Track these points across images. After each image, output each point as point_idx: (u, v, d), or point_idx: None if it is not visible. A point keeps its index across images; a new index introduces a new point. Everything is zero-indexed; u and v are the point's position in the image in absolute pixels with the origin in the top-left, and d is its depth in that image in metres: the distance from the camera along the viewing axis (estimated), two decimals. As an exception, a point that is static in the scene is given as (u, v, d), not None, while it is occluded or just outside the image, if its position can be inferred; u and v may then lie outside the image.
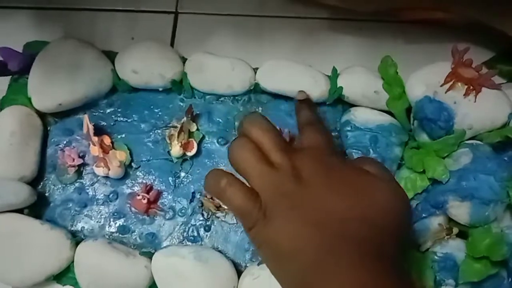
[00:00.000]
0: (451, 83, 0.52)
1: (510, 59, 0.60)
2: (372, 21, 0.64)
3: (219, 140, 0.59)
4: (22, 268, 0.52)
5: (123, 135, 0.60)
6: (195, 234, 0.55)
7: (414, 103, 0.53)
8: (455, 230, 0.51)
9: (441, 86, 0.52)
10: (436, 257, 0.51)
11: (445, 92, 0.52)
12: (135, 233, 0.56)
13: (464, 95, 0.51)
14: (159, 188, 0.57)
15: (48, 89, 0.58)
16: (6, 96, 0.60)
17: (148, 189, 0.56)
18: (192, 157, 0.58)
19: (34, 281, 0.53)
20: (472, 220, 0.49)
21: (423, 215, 0.51)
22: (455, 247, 0.50)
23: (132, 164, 0.58)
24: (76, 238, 0.54)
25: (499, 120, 0.51)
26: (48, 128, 0.60)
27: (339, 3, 0.59)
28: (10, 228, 0.53)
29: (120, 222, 0.56)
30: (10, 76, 0.61)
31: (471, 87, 0.52)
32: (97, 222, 0.56)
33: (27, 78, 0.59)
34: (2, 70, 0.59)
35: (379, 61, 0.57)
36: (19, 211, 0.54)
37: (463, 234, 0.51)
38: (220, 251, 0.54)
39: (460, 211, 0.49)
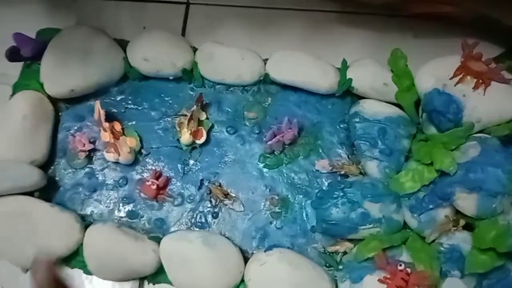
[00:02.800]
0: (460, 76, 0.52)
1: (518, 55, 0.60)
2: (381, 15, 0.65)
3: (228, 129, 0.60)
4: (31, 249, 0.53)
5: (134, 122, 0.60)
6: (203, 220, 0.56)
7: (423, 96, 0.54)
8: (462, 222, 0.51)
9: (451, 79, 0.52)
10: (442, 248, 0.51)
11: (455, 85, 0.52)
12: (143, 218, 0.56)
13: (473, 88, 0.52)
14: (168, 175, 0.58)
15: (60, 75, 0.59)
16: (18, 81, 0.61)
17: (158, 175, 0.57)
18: (201, 145, 0.59)
19: (43, 263, 0.53)
20: (479, 212, 0.49)
21: (430, 206, 0.51)
22: (461, 239, 0.51)
23: (142, 150, 0.59)
24: (86, 222, 0.55)
25: (507, 113, 0.52)
26: (60, 114, 0.61)
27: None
28: (21, 210, 0.53)
29: (129, 207, 0.57)
30: (23, 62, 0.62)
31: (481, 81, 0.52)
32: (106, 206, 0.57)
33: (39, 64, 0.60)
34: (15, 55, 0.60)
35: (387, 54, 0.58)
36: (30, 194, 0.55)
37: (469, 227, 0.52)
38: (227, 238, 0.54)
39: (467, 203, 0.49)
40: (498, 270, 0.48)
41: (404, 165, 0.55)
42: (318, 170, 0.57)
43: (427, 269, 0.49)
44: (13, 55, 0.59)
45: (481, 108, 0.51)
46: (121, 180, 0.58)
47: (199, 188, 0.57)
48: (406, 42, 0.62)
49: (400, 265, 0.48)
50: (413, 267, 0.49)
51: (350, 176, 0.56)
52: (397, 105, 0.57)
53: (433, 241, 0.52)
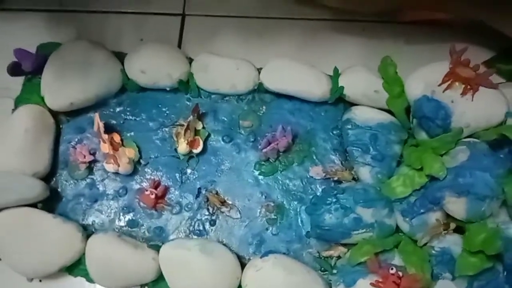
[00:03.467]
0: (448, 82, 0.53)
1: (509, 59, 0.61)
2: (374, 22, 0.66)
3: (224, 138, 0.61)
4: (35, 259, 0.55)
5: (132, 133, 0.62)
6: (201, 228, 0.58)
7: (413, 102, 0.55)
8: (452, 225, 0.52)
9: (439, 85, 0.53)
10: (433, 251, 0.52)
11: (443, 91, 0.53)
12: (143, 227, 0.58)
13: (461, 94, 0.53)
14: (166, 184, 0.59)
15: (60, 89, 0.60)
16: (20, 95, 0.63)
17: (156, 184, 0.59)
18: (198, 154, 0.60)
19: (47, 272, 0.55)
20: (468, 215, 0.50)
21: (421, 210, 0.52)
22: (452, 242, 0.52)
23: (141, 160, 0.61)
24: (87, 232, 0.57)
25: (495, 118, 0.53)
26: (61, 126, 0.63)
27: (341, 4, 0.60)
28: (25, 221, 0.55)
29: (129, 216, 0.59)
30: (24, 76, 0.64)
31: (469, 86, 0.53)
32: (107, 216, 0.59)
33: (40, 78, 0.62)
34: (16, 70, 0.61)
35: (380, 61, 0.59)
36: (33, 205, 0.57)
37: (460, 230, 0.53)
38: (224, 244, 0.56)
39: (457, 206, 0.50)
40: (488, 272, 0.49)
41: (396, 170, 0.56)
42: (312, 177, 0.59)
43: (419, 272, 0.50)
44: (14, 70, 0.61)
45: (470, 114, 0.52)
46: (121, 190, 0.59)
47: (197, 196, 0.59)
48: (398, 48, 0.63)
49: (392, 269, 0.49)
50: (405, 271, 0.50)
51: (343, 182, 0.57)
52: (389, 112, 0.58)
53: (425, 244, 0.53)
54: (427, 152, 0.53)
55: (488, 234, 0.49)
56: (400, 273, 0.49)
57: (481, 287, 0.50)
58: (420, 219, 0.53)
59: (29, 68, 0.62)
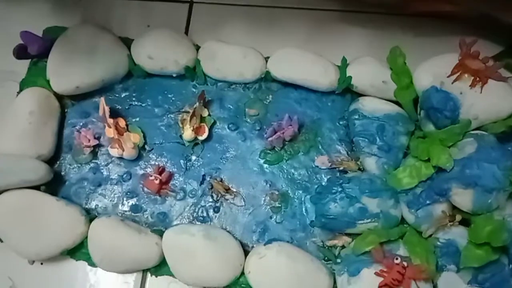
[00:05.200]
0: (458, 74, 0.53)
1: (518, 54, 0.61)
2: (382, 14, 0.66)
3: (230, 125, 0.61)
4: (38, 242, 0.54)
5: (137, 119, 0.62)
6: (205, 214, 0.57)
7: (421, 93, 0.55)
8: (458, 217, 0.52)
9: (448, 76, 0.53)
10: (439, 243, 0.52)
11: (452, 83, 0.53)
12: (147, 212, 0.58)
13: (470, 86, 0.52)
14: (171, 170, 0.59)
15: (66, 72, 0.60)
16: (25, 78, 0.63)
17: (161, 170, 0.58)
18: (203, 141, 0.60)
19: (49, 255, 0.55)
20: (474, 207, 0.50)
21: (427, 202, 0.52)
22: (457, 234, 0.52)
23: (146, 146, 0.60)
24: (90, 215, 0.57)
25: (504, 111, 0.52)
26: (66, 110, 0.62)
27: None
28: (27, 203, 0.55)
29: (132, 201, 0.58)
30: (30, 60, 0.64)
31: (478, 79, 0.52)
32: (110, 200, 0.58)
33: (46, 61, 0.62)
34: (22, 53, 0.61)
35: (388, 53, 0.59)
36: (36, 188, 0.56)
37: (466, 222, 0.52)
38: (228, 231, 0.56)
39: (463, 198, 0.50)
40: (493, 265, 0.49)
41: (402, 162, 0.56)
42: (317, 166, 0.58)
43: (424, 263, 0.50)
44: (20, 52, 0.61)
45: (478, 106, 0.52)
46: (125, 175, 0.59)
47: (201, 183, 0.58)
48: (407, 40, 0.63)
49: (397, 259, 0.49)
50: (410, 261, 0.50)
51: (349, 172, 0.57)
52: (396, 103, 0.58)
53: (430, 236, 0.53)
54: (435, 144, 0.53)
55: (495, 226, 0.49)
56: (405, 263, 0.49)
57: (486, 280, 0.50)
58: (425, 210, 0.52)
59: (35, 51, 0.61)
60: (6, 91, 0.64)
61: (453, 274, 0.51)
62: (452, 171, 0.51)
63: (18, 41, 0.60)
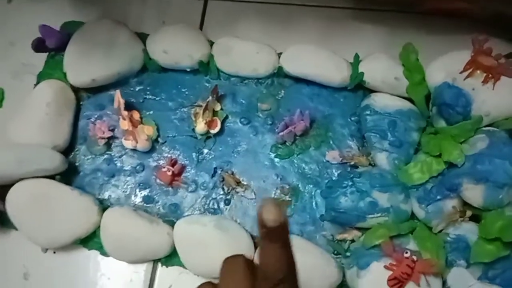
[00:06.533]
0: (470, 70, 0.53)
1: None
2: (395, 12, 0.66)
3: (242, 120, 0.61)
4: (51, 230, 0.55)
5: (151, 112, 0.63)
6: (216, 206, 0.58)
7: (433, 89, 0.55)
8: (469, 213, 0.52)
9: (460, 73, 0.53)
10: (449, 238, 0.52)
11: (464, 79, 0.53)
12: (158, 203, 0.58)
13: (482, 82, 0.53)
14: (183, 163, 0.60)
15: (82, 65, 0.61)
16: (43, 71, 0.64)
17: (173, 162, 0.59)
18: (215, 135, 0.61)
19: (62, 243, 0.56)
20: (485, 203, 0.50)
21: (438, 197, 0.52)
22: (467, 230, 0.52)
23: (159, 139, 0.61)
24: (103, 205, 0.57)
25: (516, 108, 0.52)
26: (81, 102, 0.64)
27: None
28: (42, 192, 0.56)
29: (145, 192, 0.59)
30: (48, 53, 0.65)
31: (490, 75, 0.53)
32: (123, 191, 0.59)
33: (63, 55, 0.63)
34: (41, 46, 0.62)
35: (400, 50, 0.59)
36: (51, 177, 0.57)
37: (476, 218, 0.52)
38: (239, 223, 0.56)
39: (474, 193, 0.50)
40: (503, 260, 0.49)
41: (414, 158, 0.56)
42: (328, 161, 0.59)
43: (433, 258, 0.50)
44: (38, 46, 0.62)
45: (490, 102, 0.52)
46: (138, 167, 0.60)
47: (213, 175, 0.59)
48: (419, 38, 0.63)
49: (406, 253, 0.49)
50: (419, 255, 0.50)
51: (360, 167, 0.57)
52: (408, 99, 0.58)
53: (440, 231, 0.53)
54: (446, 139, 0.53)
55: (505, 222, 0.48)
56: (415, 257, 0.49)
57: (496, 276, 0.49)
58: (436, 206, 0.52)
59: (53, 44, 0.63)
60: (24, 83, 0.66)
61: (463, 269, 0.50)
62: (463, 167, 0.51)
63: (36, 34, 0.62)
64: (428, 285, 0.49)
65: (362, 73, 0.59)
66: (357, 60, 0.60)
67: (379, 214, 0.53)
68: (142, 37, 0.65)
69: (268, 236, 0.29)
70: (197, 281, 0.49)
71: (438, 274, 0.50)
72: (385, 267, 0.49)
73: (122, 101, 0.59)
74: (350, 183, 0.54)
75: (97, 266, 0.58)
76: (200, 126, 0.59)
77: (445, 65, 0.55)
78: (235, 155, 0.60)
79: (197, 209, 0.58)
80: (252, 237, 0.55)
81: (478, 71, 0.53)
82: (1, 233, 0.59)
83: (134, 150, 0.60)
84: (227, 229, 0.53)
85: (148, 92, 0.63)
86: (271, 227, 0.28)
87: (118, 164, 0.60)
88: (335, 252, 0.55)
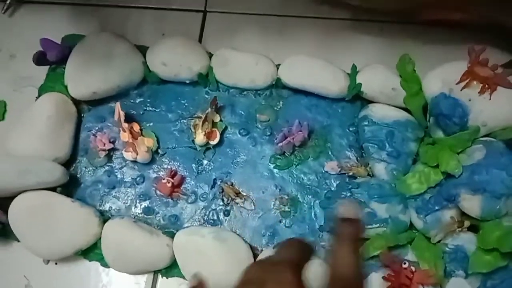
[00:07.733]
0: (466, 81, 0.53)
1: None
2: (392, 23, 0.67)
3: (241, 131, 0.62)
4: (53, 242, 0.56)
5: (151, 124, 0.63)
6: (215, 217, 0.58)
7: (430, 100, 0.55)
8: (467, 223, 0.52)
9: (457, 83, 0.54)
10: (447, 249, 0.52)
11: (461, 90, 0.53)
12: (159, 215, 0.59)
13: (479, 92, 0.53)
14: (183, 174, 0.60)
15: (83, 78, 0.62)
16: (44, 84, 0.65)
17: (173, 174, 0.60)
18: (214, 146, 0.61)
19: (63, 255, 0.56)
20: (483, 213, 0.50)
21: (436, 207, 0.52)
22: (466, 240, 0.52)
23: (159, 150, 0.62)
24: (104, 217, 0.58)
25: (513, 118, 0.53)
26: (82, 115, 0.64)
27: (362, 2, 0.61)
28: (43, 204, 0.56)
29: (145, 203, 0.60)
30: (49, 66, 0.66)
31: (487, 86, 0.53)
32: (124, 203, 0.60)
33: (64, 68, 0.64)
34: (42, 59, 0.63)
35: (397, 60, 0.59)
36: (53, 189, 0.58)
37: (474, 229, 0.52)
38: (238, 235, 0.57)
39: (472, 204, 0.50)
40: (502, 271, 0.49)
41: (412, 168, 0.56)
42: (327, 172, 0.59)
43: (432, 268, 0.50)
44: (39, 59, 0.63)
45: (487, 112, 0.53)
46: (138, 178, 0.61)
47: (212, 187, 0.60)
48: (416, 48, 0.64)
49: (405, 263, 0.50)
50: (418, 266, 0.50)
51: (358, 177, 0.58)
52: (406, 110, 0.59)
53: (439, 241, 0.53)
54: (444, 150, 0.53)
55: (503, 232, 0.49)
56: (413, 268, 0.49)
57: (494, 286, 0.50)
58: (434, 216, 0.53)
59: (54, 57, 0.63)
60: (25, 96, 0.66)
61: (461, 279, 0.51)
62: (460, 177, 0.51)
63: (37, 47, 0.63)
64: (426, 295, 0.49)
65: (360, 84, 0.59)
66: (354, 71, 0.60)
67: (377, 225, 0.53)
68: (142, 50, 0.66)
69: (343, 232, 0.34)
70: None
71: (436, 285, 0.50)
72: (384, 278, 0.49)
73: (122, 113, 0.59)
74: (348, 194, 0.54)
75: (98, 278, 0.58)
76: (200, 138, 0.60)
77: (442, 76, 0.55)
78: (235, 166, 0.60)
79: (196, 220, 0.58)
80: (251, 248, 0.56)
81: (475, 82, 0.54)
82: (3, 245, 0.60)
83: (135, 161, 0.61)
84: (225, 240, 0.53)
85: (148, 104, 0.64)
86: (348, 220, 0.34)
87: (119, 176, 0.61)
88: (334, 262, 0.55)
